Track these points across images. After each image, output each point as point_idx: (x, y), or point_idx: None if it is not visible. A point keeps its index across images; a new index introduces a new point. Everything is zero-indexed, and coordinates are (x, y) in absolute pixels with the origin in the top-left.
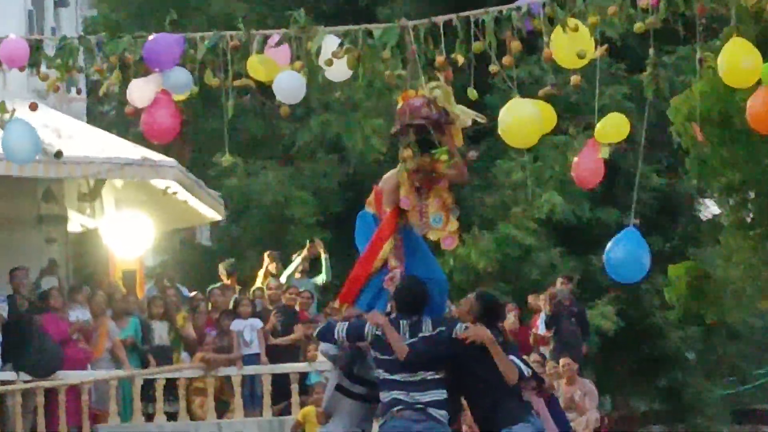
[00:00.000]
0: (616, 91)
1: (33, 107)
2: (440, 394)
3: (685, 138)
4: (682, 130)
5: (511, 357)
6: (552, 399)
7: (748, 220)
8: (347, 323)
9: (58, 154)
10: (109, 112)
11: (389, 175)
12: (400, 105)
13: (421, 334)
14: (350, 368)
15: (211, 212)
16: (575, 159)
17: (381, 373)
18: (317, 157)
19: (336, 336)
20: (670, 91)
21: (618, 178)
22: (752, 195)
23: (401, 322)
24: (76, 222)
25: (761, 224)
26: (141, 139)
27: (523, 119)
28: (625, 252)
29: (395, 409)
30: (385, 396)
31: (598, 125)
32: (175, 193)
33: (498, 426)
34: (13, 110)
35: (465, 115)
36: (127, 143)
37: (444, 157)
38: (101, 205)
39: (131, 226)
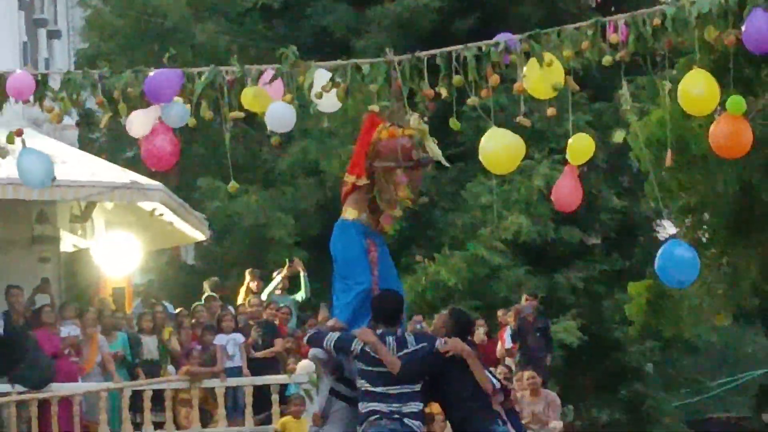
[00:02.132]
0: (578, 119)
1: (18, 133)
2: (417, 406)
3: (644, 162)
4: (641, 155)
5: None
6: (512, 411)
7: (704, 239)
8: (336, 335)
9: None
10: (99, 139)
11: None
12: (385, 139)
13: (406, 350)
14: (341, 372)
15: (195, 233)
16: (555, 185)
17: (363, 384)
18: (296, 181)
19: (324, 345)
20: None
21: (581, 200)
22: (707, 216)
23: (388, 338)
24: (68, 242)
25: (716, 244)
26: (129, 164)
27: (505, 147)
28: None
29: (372, 418)
30: (364, 407)
31: (569, 146)
32: (161, 214)
33: None
34: (23, 140)
35: (434, 153)
36: (117, 168)
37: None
38: (92, 227)
39: (120, 246)
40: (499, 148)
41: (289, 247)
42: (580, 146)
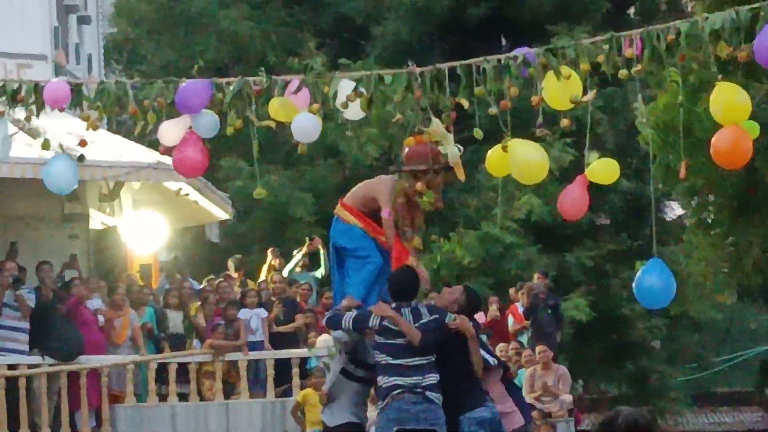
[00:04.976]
0: (589, 103)
1: (83, 144)
2: (435, 378)
3: (652, 145)
4: (648, 138)
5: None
6: (511, 383)
7: (709, 220)
8: (354, 314)
9: (81, 158)
10: (127, 121)
11: (369, 188)
12: (418, 147)
13: (421, 321)
14: (354, 353)
15: (219, 211)
16: (563, 191)
17: (384, 358)
18: (316, 162)
19: (343, 325)
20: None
21: (590, 182)
22: (712, 197)
23: (403, 310)
24: (97, 220)
25: (720, 224)
26: (156, 146)
27: (536, 163)
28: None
29: (396, 392)
30: (385, 381)
31: (593, 164)
32: (187, 194)
33: (461, 410)
34: (61, 145)
35: (455, 157)
36: (143, 149)
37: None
38: (120, 205)
39: (147, 224)
40: (531, 164)
41: (309, 225)
42: (605, 170)
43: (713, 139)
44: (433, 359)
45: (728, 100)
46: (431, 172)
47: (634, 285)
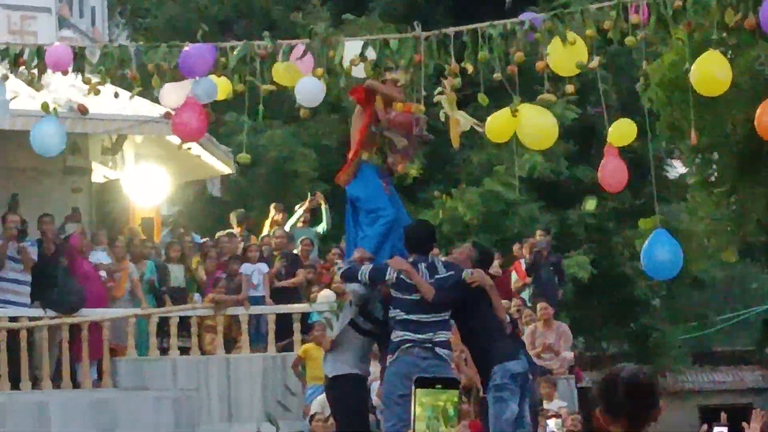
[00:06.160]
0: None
1: (82, 110)
2: (446, 335)
3: (656, 103)
4: (653, 96)
5: None
6: (520, 339)
7: (712, 178)
8: (370, 267)
9: (84, 112)
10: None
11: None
12: (405, 115)
13: (437, 275)
14: (365, 306)
15: (221, 166)
16: (600, 166)
17: (398, 313)
18: (319, 116)
19: (359, 278)
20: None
21: (593, 139)
22: (716, 156)
23: (419, 265)
24: (99, 173)
25: (723, 182)
26: (158, 100)
27: (546, 128)
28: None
29: (405, 346)
30: (397, 335)
31: (610, 131)
32: (189, 148)
33: (494, 362)
34: (55, 108)
35: (466, 121)
36: (146, 102)
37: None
38: (122, 159)
39: (149, 177)
40: (541, 129)
41: (312, 180)
42: (623, 131)
43: (759, 112)
44: (447, 317)
45: (708, 73)
46: (407, 141)
47: (642, 258)
